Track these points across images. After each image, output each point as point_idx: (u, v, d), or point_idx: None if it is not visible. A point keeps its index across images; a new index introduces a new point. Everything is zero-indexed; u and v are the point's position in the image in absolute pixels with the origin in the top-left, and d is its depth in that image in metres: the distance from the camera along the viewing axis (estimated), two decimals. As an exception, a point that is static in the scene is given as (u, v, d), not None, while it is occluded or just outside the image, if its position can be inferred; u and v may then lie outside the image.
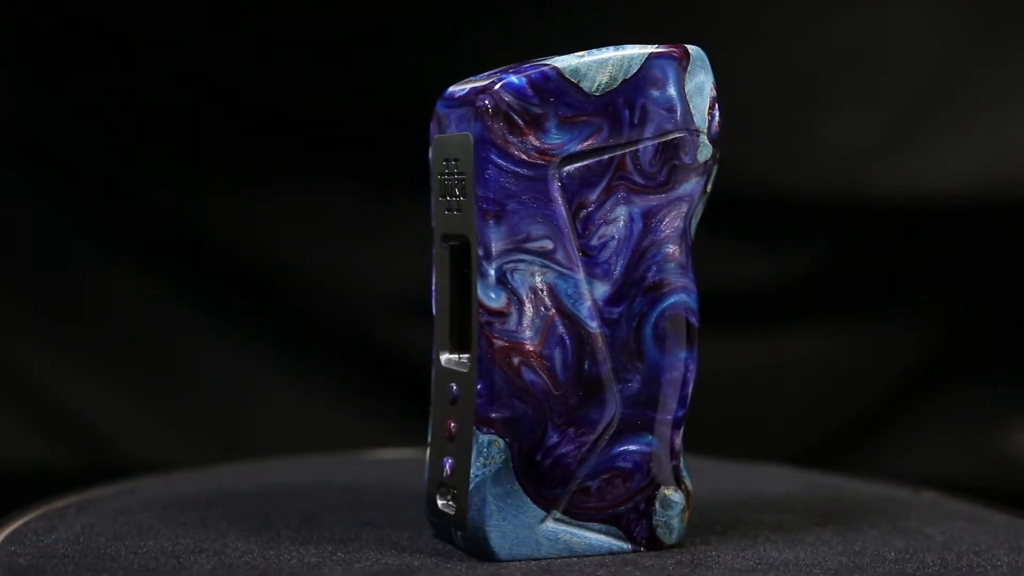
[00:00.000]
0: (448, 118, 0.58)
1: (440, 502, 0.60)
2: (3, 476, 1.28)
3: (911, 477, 0.95)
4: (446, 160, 0.58)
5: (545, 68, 0.57)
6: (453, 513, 0.59)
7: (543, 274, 0.57)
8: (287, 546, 0.60)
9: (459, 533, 0.59)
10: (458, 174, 0.57)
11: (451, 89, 0.59)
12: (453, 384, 0.59)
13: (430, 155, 0.60)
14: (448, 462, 0.59)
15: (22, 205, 1.32)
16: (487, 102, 0.56)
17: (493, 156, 0.56)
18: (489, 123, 0.56)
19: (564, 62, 0.57)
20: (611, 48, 0.58)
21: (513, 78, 0.56)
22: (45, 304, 1.32)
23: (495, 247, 0.56)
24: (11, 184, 1.31)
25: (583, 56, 0.57)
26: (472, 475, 0.57)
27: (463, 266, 0.59)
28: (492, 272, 0.56)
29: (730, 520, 0.66)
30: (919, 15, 1.28)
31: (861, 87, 1.29)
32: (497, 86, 0.56)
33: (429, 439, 0.61)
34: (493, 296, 0.56)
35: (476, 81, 0.58)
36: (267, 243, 1.33)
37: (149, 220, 1.33)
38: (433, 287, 0.60)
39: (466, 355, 0.59)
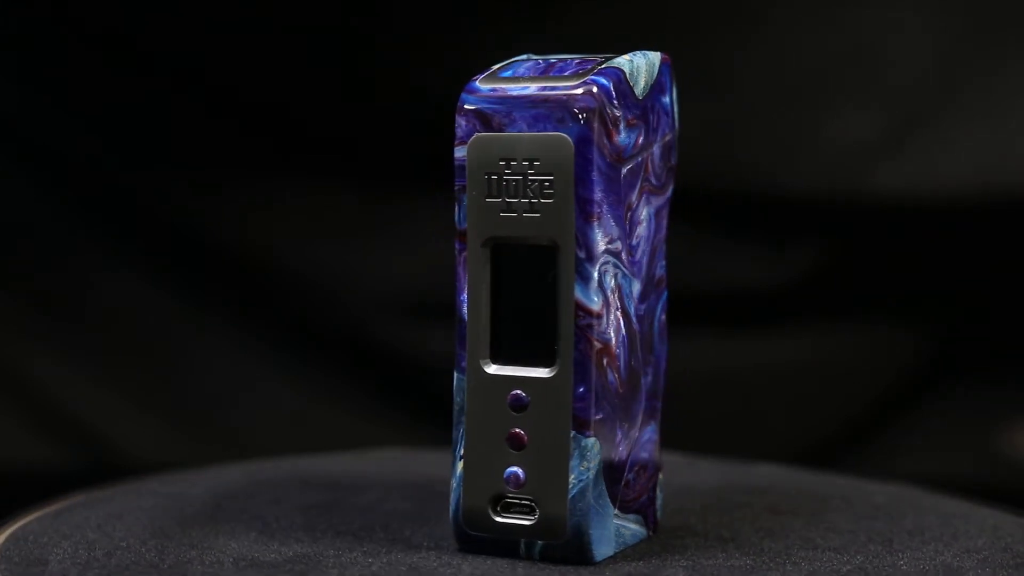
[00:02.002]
0: (508, 116, 0.57)
1: (498, 518, 0.58)
2: (3, 476, 1.28)
3: (910, 477, 0.95)
4: (505, 160, 0.57)
5: (616, 69, 0.57)
6: (531, 523, 0.58)
7: (615, 275, 0.57)
8: (291, 546, 0.60)
9: (539, 543, 0.58)
10: (535, 175, 0.56)
11: (495, 85, 0.57)
12: (519, 391, 0.58)
13: (461, 154, 0.58)
14: (515, 472, 0.58)
15: (22, 205, 1.32)
16: (587, 104, 0.55)
17: (595, 157, 0.56)
18: (594, 124, 0.55)
19: (624, 64, 0.57)
20: (639, 53, 0.58)
21: (602, 79, 0.56)
22: (45, 304, 1.32)
23: (597, 249, 0.56)
24: (11, 184, 1.31)
25: (631, 59, 0.58)
26: (574, 480, 0.57)
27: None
28: (595, 274, 0.56)
29: (730, 519, 0.66)
30: (919, 16, 1.28)
31: (861, 87, 1.29)
32: (589, 89, 0.56)
33: (461, 452, 0.59)
34: (595, 299, 0.56)
35: (532, 78, 0.57)
36: (267, 243, 1.33)
37: (149, 220, 1.33)
38: (464, 293, 0.59)
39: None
